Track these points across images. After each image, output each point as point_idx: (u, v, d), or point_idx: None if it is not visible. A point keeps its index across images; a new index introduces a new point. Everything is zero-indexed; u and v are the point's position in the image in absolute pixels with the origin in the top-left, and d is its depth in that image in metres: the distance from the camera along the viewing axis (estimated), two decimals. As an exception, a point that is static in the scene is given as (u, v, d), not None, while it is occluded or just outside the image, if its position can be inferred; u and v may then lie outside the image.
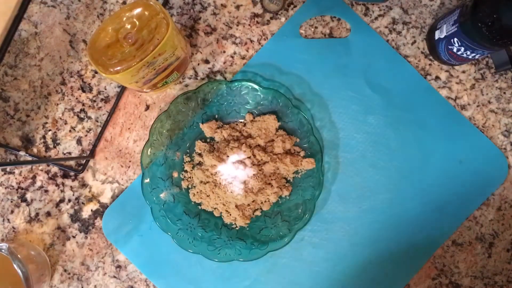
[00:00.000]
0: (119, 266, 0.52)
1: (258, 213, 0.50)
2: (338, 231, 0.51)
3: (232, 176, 0.48)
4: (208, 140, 0.51)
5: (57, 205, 0.52)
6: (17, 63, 0.53)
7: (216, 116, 0.51)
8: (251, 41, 0.53)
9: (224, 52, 0.53)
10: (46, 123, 0.52)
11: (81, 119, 0.52)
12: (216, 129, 0.50)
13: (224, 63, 0.53)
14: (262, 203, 0.50)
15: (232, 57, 0.53)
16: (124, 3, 0.54)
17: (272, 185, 0.49)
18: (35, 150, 0.52)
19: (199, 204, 0.50)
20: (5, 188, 0.52)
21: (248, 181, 0.48)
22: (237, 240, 0.49)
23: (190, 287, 0.51)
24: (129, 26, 0.42)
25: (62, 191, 0.52)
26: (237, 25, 0.53)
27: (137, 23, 0.42)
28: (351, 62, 0.52)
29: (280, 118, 0.49)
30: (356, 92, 0.52)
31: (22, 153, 0.51)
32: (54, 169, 0.52)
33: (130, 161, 0.52)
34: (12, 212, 0.52)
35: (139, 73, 0.43)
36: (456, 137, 0.52)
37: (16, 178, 0.52)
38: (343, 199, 0.51)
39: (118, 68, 0.41)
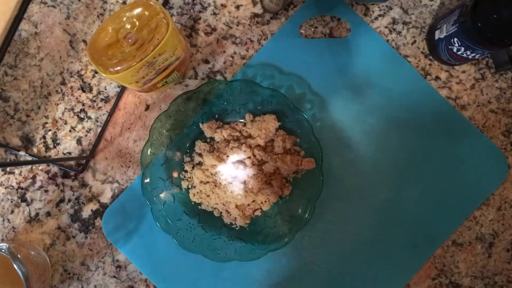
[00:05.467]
0: (119, 266, 0.52)
1: (258, 213, 0.50)
2: (338, 231, 0.51)
3: (232, 176, 0.48)
4: (208, 140, 0.51)
5: (57, 205, 0.52)
6: (17, 63, 0.53)
7: (216, 116, 0.51)
8: (251, 41, 0.53)
9: (224, 52, 0.53)
10: (46, 123, 0.52)
11: (81, 119, 0.52)
12: (216, 129, 0.50)
13: (224, 63, 0.53)
14: (262, 203, 0.50)
15: (232, 57, 0.53)
16: (124, 3, 0.54)
17: (272, 185, 0.49)
18: (35, 150, 0.52)
19: (199, 204, 0.50)
20: (5, 188, 0.52)
21: (248, 181, 0.48)
22: (237, 240, 0.49)
23: (190, 287, 0.51)
24: (129, 26, 0.42)
25: (62, 191, 0.52)
26: (237, 25, 0.53)
27: (137, 23, 0.42)
28: (351, 62, 0.52)
29: (280, 118, 0.49)
30: (356, 92, 0.52)
31: (22, 153, 0.51)
32: (54, 169, 0.52)
33: (130, 161, 0.52)
34: (12, 212, 0.52)
35: (139, 73, 0.43)
36: (456, 137, 0.52)
37: (16, 178, 0.52)
38: (343, 199, 0.51)
39: (118, 68, 0.41)
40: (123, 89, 0.52)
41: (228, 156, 0.48)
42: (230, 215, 0.50)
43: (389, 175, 0.52)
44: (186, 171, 0.51)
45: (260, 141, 0.49)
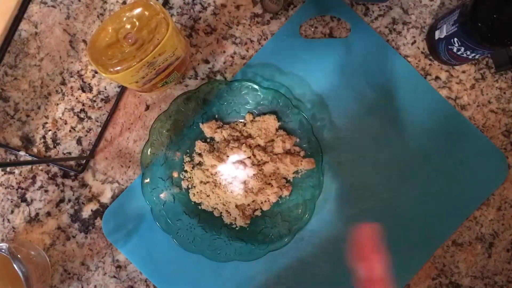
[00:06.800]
0: (119, 266, 0.52)
1: (258, 213, 0.50)
2: (338, 231, 0.51)
3: (232, 176, 0.48)
4: (208, 140, 0.51)
5: (57, 205, 0.52)
6: (17, 63, 0.53)
7: (216, 116, 0.51)
8: (251, 41, 0.53)
9: (224, 52, 0.53)
10: (46, 123, 0.52)
11: (81, 119, 0.52)
12: (216, 129, 0.50)
13: (224, 63, 0.53)
14: (262, 203, 0.50)
15: (232, 57, 0.53)
16: (124, 3, 0.54)
17: (272, 185, 0.49)
18: (35, 150, 0.52)
19: (199, 204, 0.50)
20: (5, 188, 0.52)
21: (248, 181, 0.48)
22: (237, 240, 0.49)
23: (190, 287, 0.51)
24: (129, 26, 0.42)
25: (62, 191, 0.52)
26: (237, 25, 0.53)
27: (137, 23, 0.42)
28: (351, 62, 0.52)
29: (280, 118, 0.49)
30: (356, 92, 0.52)
31: (22, 153, 0.51)
32: (54, 169, 0.52)
33: (130, 161, 0.52)
34: (12, 212, 0.52)
35: (139, 73, 0.43)
36: (456, 137, 0.52)
37: (16, 178, 0.52)
38: (343, 199, 0.51)
39: (118, 68, 0.41)
40: (123, 89, 0.52)
41: (228, 156, 0.48)
42: (230, 215, 0.50)
43: (389, 175, 0.52)
44: (186, 171, 0.51)
45: (260, 141, 0.49)
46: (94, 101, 0.53)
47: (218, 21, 0.53)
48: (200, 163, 0.50)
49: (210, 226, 0.50)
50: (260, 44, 0.53)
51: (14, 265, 0.43)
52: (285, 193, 0.49)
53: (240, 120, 0.51)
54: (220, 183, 0.49)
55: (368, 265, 0.28)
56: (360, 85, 0.52)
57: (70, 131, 0.52)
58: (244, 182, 0.48)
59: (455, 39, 0.46)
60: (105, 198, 0.52)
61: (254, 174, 0.48)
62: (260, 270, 0.51)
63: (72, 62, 0.53)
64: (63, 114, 0.53)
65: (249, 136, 0.50)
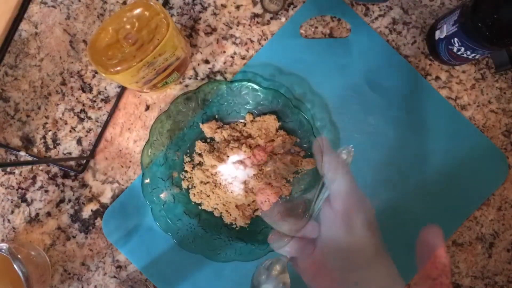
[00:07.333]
0: (119, 266, 0.52)
1: (258, 213, 0.50)
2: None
3: (232, 176, 0.48)
4: (208, 140, 0.51)
5: (57, 205, 0.52)
6: (17, 63, 0.53)
7: (216, 116, 0.51)
8: (251, 41, 0.53)
9: (224, 52, 0.53)
10: (46, 123, 0.52)
11: (81, 119, 0.52)
12: (216, 129, 0.50)
13: (224, 63, 0.53)
14: (262, 203, 0.50)
15: (232, 57, 0.53)
16: (124, 3, 0.54)
17: (272, 185, 0.49)
18: (35, 150, 0.52)
19: (199, 204, 0.50)
20: (5, 188, 0.52)
21: (248, 181, 0.48)
22: (237, 240, 0.49)
23: (190, 287, 0.51)
24: (129, 26, 0.42)
25: (62, 191, 0.52)
26: (237, 25, 0.53)
27: (137, 23, 0.42)
28: (351, 62, 0.52)
29: (280, 118, 0.49)
30: (356, 92, 0.52)
31: (22, 153, 0.51)
32: (54, 169, 0.52)
33: (130, 161, 0.52)
34: (12, 212, 0.52)
35: (139, 73, 0.43)
36: (456, 137, 0.52)
37: (16, 178, 0.52)
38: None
39: (118, 68, 0.41)
40: (123, 89, 0.52)
41: (228, 156, 0.48)
42: (230, 215, 0.50)
43: (389, 175, 0.52)
44: (186, 171, 0.51)
45: (260, 141, 0.49)
46: (94, 101, 0.53)
47: (218, 21, 0.53)
48: (200, 163, 0.50)
49: (210, 226, 0.50)
50: (260, 44, 0.53)
51: (15, 266, 0.43)
52: (285, 193, 0.49)
53: (240, 120, 0.51)
54: (220, 183, 0.49)
55: (432, 263, 0.29)
56: (360, 85, 0.52)
57: (70, 131, 0.52)
58: (244, 182, 0.48)
59: (455, 39, 0.46)
60: (105, 198, 0.52)
61: (254, 174, 0.48)
62: (260, 270, 0.51)
63: (72, 62, 0.53)
64: (63, 114, 0.53)
65: (249, 136, 0.50)
